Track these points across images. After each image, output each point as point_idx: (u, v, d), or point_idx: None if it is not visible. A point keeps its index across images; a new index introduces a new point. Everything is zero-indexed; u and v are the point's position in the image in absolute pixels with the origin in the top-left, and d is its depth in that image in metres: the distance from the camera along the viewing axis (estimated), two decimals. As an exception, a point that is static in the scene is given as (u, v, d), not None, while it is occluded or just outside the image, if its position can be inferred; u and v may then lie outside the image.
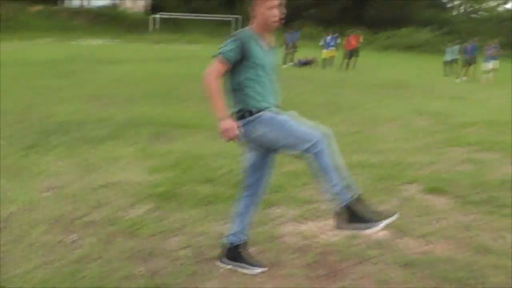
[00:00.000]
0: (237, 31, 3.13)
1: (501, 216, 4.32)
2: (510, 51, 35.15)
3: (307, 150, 2.82)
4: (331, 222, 4.04)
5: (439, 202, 4.64)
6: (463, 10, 65.07)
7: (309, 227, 3.99)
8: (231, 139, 2.93)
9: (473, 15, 63.59)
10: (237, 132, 2.91)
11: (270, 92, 3.09)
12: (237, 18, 37.73)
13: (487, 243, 3.75)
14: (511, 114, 10.18)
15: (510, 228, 4.04)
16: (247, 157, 3.19)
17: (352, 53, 21.23)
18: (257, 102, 2.99)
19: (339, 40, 22.62)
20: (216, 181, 5.02)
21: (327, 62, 21.77)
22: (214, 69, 2.92)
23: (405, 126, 8.33)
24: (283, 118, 2.96)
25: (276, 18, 3.02)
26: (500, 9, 64.47)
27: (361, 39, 22.58)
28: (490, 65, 19.58)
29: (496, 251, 3.62)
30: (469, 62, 20.04)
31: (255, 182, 3.23)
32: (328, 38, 22.37)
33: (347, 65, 20.88)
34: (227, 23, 39.12)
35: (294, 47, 22.34)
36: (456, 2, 64.49)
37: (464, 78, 19.25)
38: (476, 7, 63.86)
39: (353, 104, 10.68)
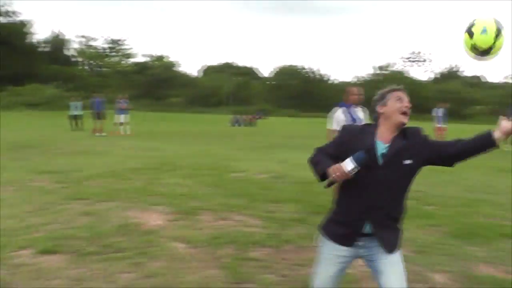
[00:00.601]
0: None
1: (115, 260, 4.67)
2: (139, 103, 38.67)
3: None
4: None
5: (53, 261, 4.67)
6: (88, 66, 68.49)
7: None
8: None
9: (99, 69, 67.73)
10: None
11: None
12: None
13: (98, 289, 3.98)
14: (131, 162, 11.18)
15: (122, 270, 4.41)
16: None
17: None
18: None
19: None
20: None
21: None
22: None
23: (23, 189, 8.10)
24: None
25: None
26: (124, 63, 70.64)
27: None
28: (122, 118, 21.17)
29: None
30: (98, 116, 21.09)
31: None
32: None
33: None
34: None
35: None
36: (79, 59, 67.39)
37: (104, 134, 20.06)
38: (100, 63, 68.28)
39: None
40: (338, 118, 6.94)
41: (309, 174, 10.75)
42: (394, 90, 2.84)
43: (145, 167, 10.81)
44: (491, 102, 62.48)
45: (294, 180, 9.73)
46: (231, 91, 67.66)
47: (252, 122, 36.34)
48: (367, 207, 2.76)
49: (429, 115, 22.14)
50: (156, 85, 66.08)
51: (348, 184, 2.73)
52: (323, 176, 2.72)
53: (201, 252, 5.08)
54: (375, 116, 2.88)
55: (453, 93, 59.72)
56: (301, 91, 67.74)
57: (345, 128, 2.92)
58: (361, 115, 6.98)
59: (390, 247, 2.80)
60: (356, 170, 2.59)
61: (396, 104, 2.77)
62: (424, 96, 58.21)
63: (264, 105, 61.41)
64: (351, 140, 2.78)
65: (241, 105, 58.30)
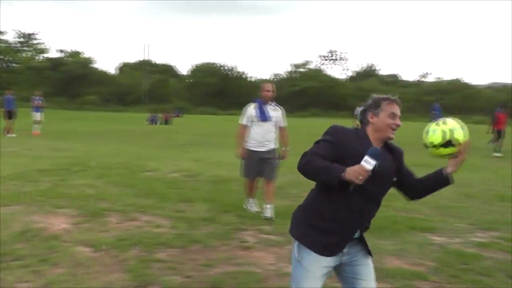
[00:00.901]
0: None
1: (13, 269, 4.42)
2: (53, 101, 36.89)
3: None
4: None
5: None
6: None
7: None
8: None
9: (9, 65, 64.19)
10: None
11: None
12: None
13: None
14: (40, 163, 10.69)
15: (20, 279, 4.20)
16: None
17: None
18: None
19: None
20: None
21: None
22: None
23: None
24: None
25: None
26: (37, 58, 67.25)
27: None
28: (38, 116, 20.15)
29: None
30: (9, 115, 19.77)
31: None
32: None
33: None
34: None
35: None
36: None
37: (14, 135, 18.85)
38: (10, 58, 64.65)
39: None
40: (249, 113, 6.99)
41: (222, 172, 10.71)
42: (390, 101, 2.73)
43: (54, 168, 10.37)
44: (406, 99, 65.16)
45: (207, 179, 9.70)
46: (149, 89, 66.28)
47: (168, 120, 35.77)
48: (360, 213, 2.66)
49: (346, 112, 22.77)
50: (70, 82, 63.43)
51: (337, 190, 2.54)
52: (337, 181, 2.48)
53: (106, 255, 4.94)
54: (363, 119, 2.77)
55: (370, 91, 60.79)
56: (219, 89, 67.51)
57: (338, 129, 2.69)
58: (273, 113, 7.01)
59: (370, 251, 2.80)
60: (375, 166, 2.44)
61: (388, 120, 2.67)
62: (341, 94, 60.34)
63: (182, 103, 60.71)
64: (350, 142, 2.63)
65: (159, 103, 57.21)
